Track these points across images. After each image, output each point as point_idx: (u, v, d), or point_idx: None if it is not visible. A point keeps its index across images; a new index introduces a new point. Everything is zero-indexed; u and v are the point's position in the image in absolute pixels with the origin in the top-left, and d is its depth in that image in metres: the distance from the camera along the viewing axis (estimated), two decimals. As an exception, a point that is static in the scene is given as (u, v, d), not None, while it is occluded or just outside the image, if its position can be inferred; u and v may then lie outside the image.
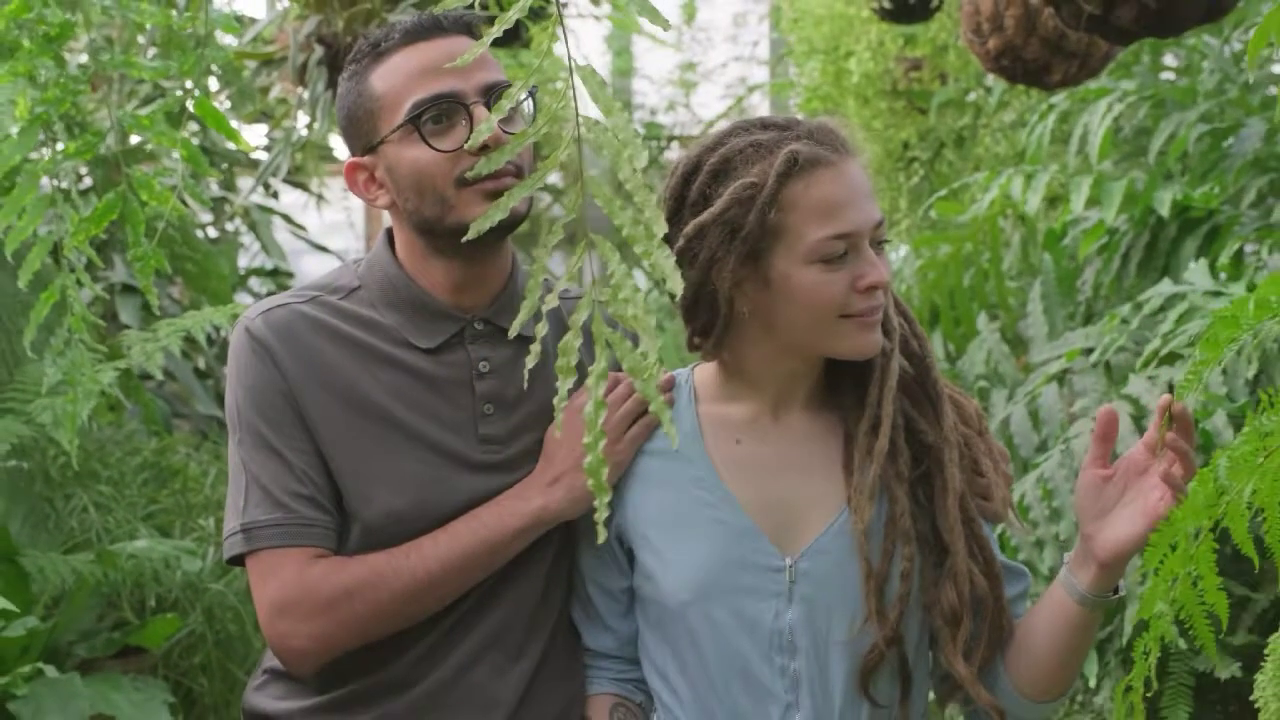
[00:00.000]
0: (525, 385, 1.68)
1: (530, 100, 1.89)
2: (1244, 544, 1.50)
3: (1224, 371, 2.65)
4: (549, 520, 1.80)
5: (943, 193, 4.07)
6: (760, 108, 7.50)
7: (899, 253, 4.32)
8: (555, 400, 1.50)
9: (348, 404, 1.83)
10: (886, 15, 4.10)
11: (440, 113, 1.81)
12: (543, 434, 1.92)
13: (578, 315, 1.54)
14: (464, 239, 1.39)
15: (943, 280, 4.06)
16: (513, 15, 1.54)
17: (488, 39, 1.57)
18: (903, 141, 4.98)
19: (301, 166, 5.40)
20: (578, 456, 1.70)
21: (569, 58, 1.54)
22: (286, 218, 5.95)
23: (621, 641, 1.90)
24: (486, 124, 1.33)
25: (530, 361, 1.52)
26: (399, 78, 1.83)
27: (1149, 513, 1.63)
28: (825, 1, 4.82)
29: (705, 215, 1.73)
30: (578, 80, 1.55)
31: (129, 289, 4.67)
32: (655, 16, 1.59)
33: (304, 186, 5.85)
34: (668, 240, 1.55)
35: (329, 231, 6.64)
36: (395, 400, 1.84)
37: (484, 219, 1.50)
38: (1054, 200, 4.10)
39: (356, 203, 7.00)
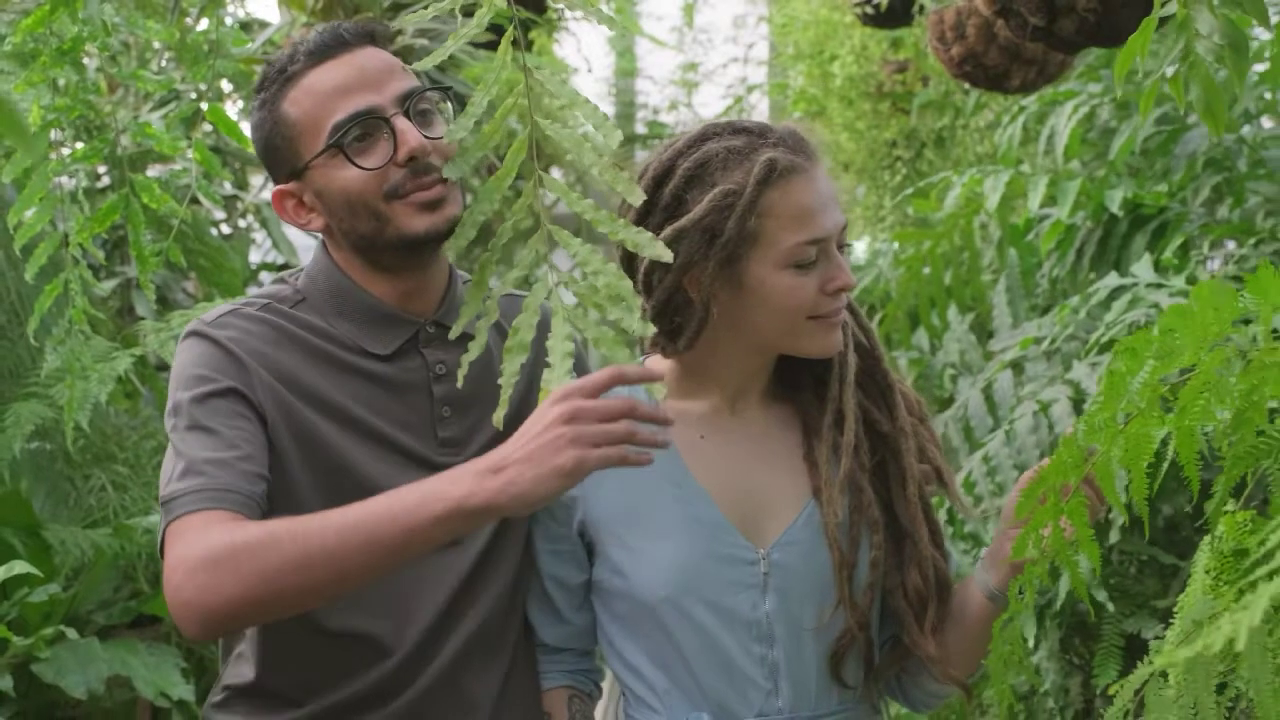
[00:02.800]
0: (461, 384, 1.63)
1: (449, 103, 1.86)
2: (1114, 502, 1.60)
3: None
4: (476, 511, 1.54)
5: (909, 190, 4.24)
6: (760, 106, 7.64)
7: (860, 244, 4.48)
8: (501, 382, 1.57)
9: (308, 404, 1.77)
10: (870, 20, 4.27)
11: (362, 130, 1.75)
12: (496, 435, 1.81)
13: (532, 298, 1.66)
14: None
15: (919, 275, 4.22)
16: (468, 33, 1.64)
17: (443, 51, 1.64)
18: (886, 141, 5.17)
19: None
20: (529, 448, 1.52)
21: (524, 63, 1.65)
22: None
23: (576, 634, 1.90)
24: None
25: (474, 352, 1.59)
26: (313, 100, 1.77)
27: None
28: (811, 8, 5.01)
29: (684, 221, 1.73)
30: (546, 82, 1.64)
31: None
32: (613, 24, 1.70)
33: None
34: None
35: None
36: (355, 403, 1.79)
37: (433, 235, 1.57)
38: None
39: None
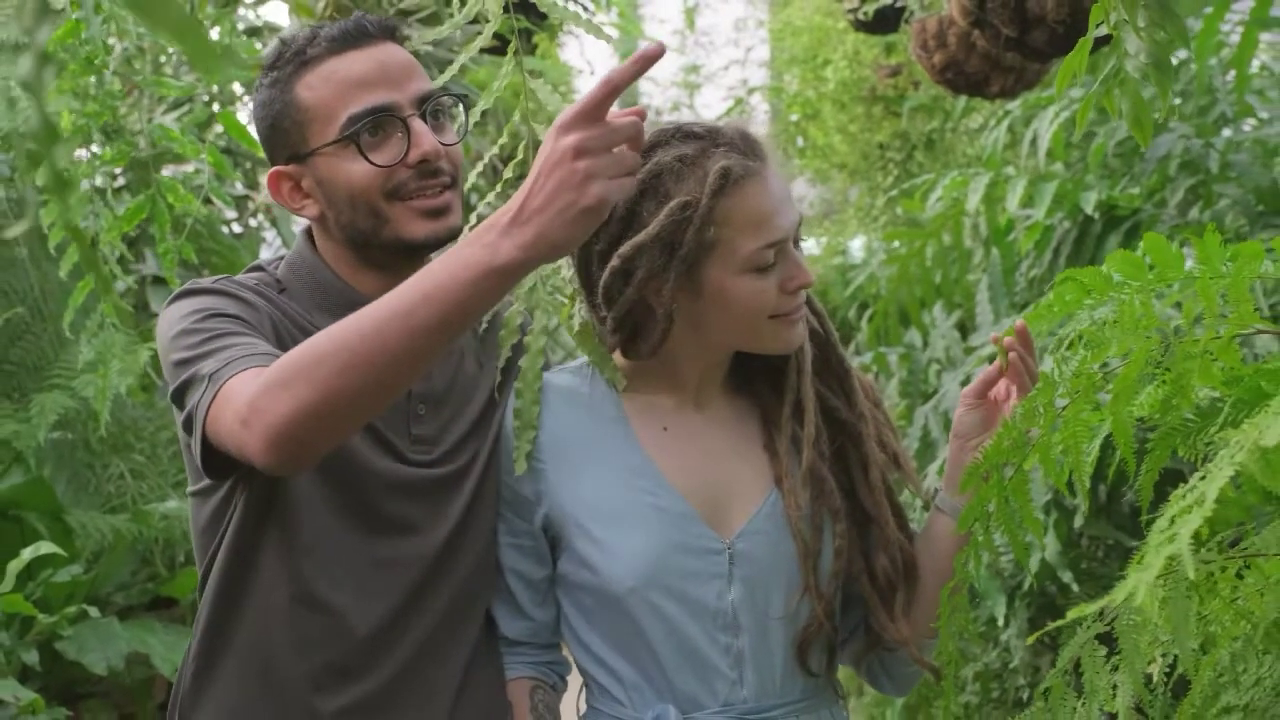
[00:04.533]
0: (442, 380, 1.64)
1: (463, 110, 1.83)
2: (1057, 481, 1.68)
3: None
4: (508, 268, 1.45)
5: (894, 192, 4.38)
6: (760, 108, 7.78)
7: (856, 243, 4.61)
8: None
9: None
10: (862, 26, 4.41)
11: (377, 126, 1.73)
12: (467, 429, 1.85)
13: (512, 314, 1.74)
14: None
15: (909, 274, 4.37)
16: (476, 45, 1.76)
17: (455, 66, 1.74)
18: (879, 143, 5.31)
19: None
20: (547, 190, 1.43)
21: (524, 71, 1.75)
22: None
23: (538, 628, 1.89)
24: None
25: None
26: (330, 88, 1.74)
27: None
28: (805, 14, 5.15)
29: (642, 236, 1.69)
30: (542, 89, 1.75)
31: (159, 280, 5.01)
32: (600, 35, 1.79)
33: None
34: (597, 253, 1.72)
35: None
36: None
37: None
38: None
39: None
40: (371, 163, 1.73)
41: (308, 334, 1.69)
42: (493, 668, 1.89)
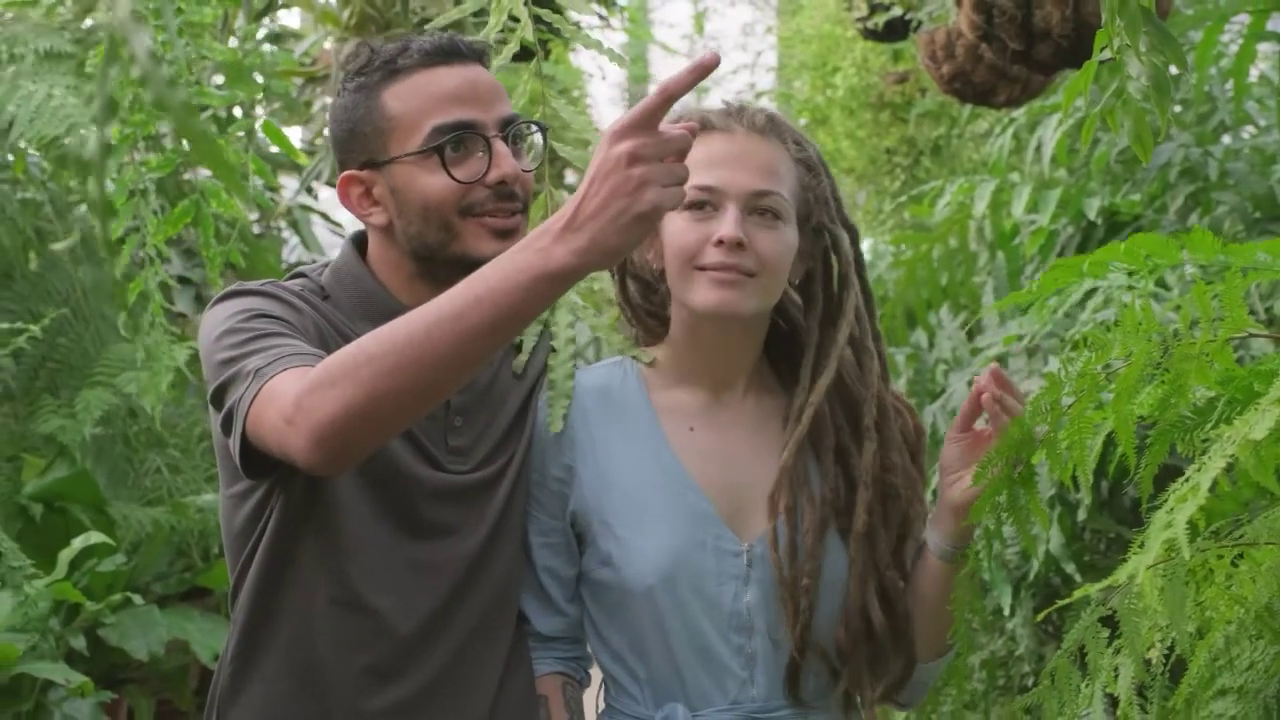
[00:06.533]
0: (487, 387, 1.69)
1: (541, 136, 1.84)
2: (1063, 476, 1.73)
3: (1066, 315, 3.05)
4: (561, 274, 1.44)
5: (903, 198, 4.48)
6: (768, 112, 7.85)
7: (864, 245, 4.68)
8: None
9: None
10: (870, 35, 4.51)
11: (459, 141, 1.74)
12: (501, 433, 1.87)
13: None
14: None
15: (916, 276, 4.47)
16: (506, 56, 1.85)
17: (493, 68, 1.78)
18: (886, 149, 5.41)
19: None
20: (602, 196, 1.42)
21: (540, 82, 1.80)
22: (324, 215, 6.39)
23: (570, 624, 1.91)
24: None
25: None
26: (418, 100, 1.75)
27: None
28: (815, 23, 5.26)
29: None
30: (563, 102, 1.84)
31: (184, 280, 5.14)
32: (607, 52, 1.89)
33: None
34: None
35: (355, 224, 7.05)
36: None
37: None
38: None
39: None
40: (452, 176, 1.74)
41: (350, 341, 1.67)
42: (525, 665, 1.90)
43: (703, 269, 1.77)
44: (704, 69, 1.44)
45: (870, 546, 1.83)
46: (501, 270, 1.46)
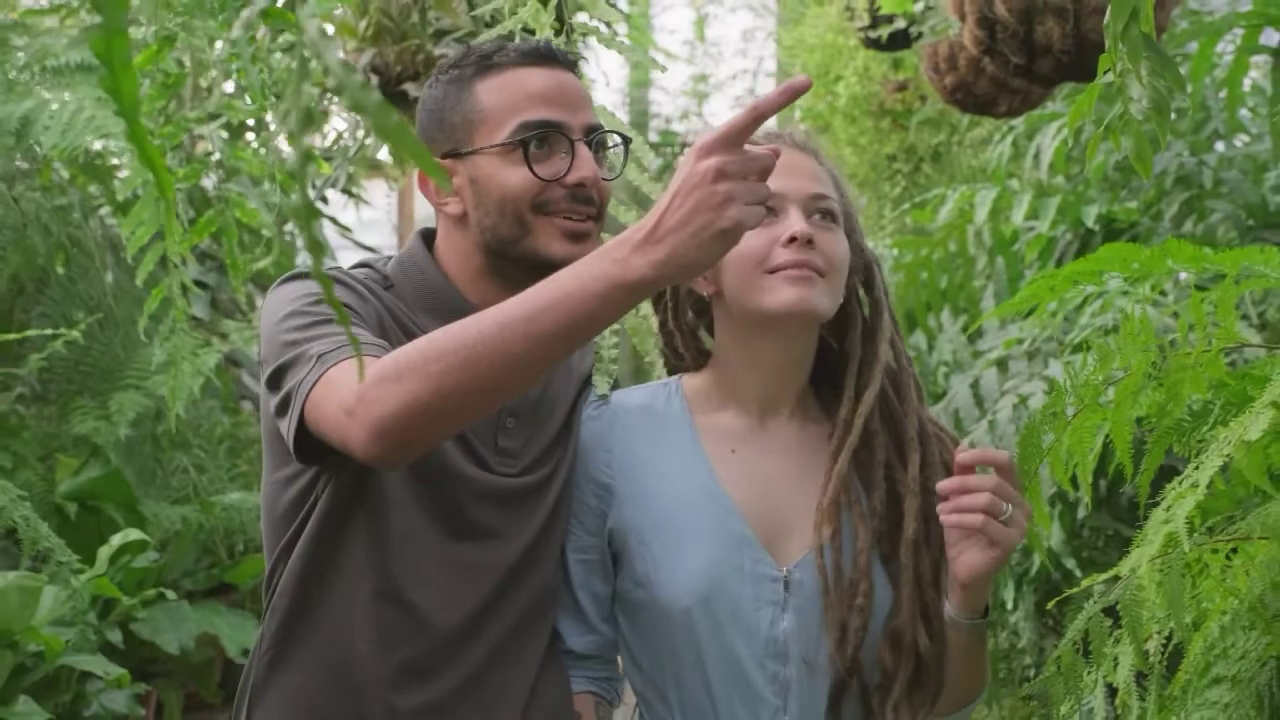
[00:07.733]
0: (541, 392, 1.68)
1: (623, 151, 1.87)
2: (1061, 478, 1.81)
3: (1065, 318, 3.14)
4: (638, 286, 1.43)
5: (906, 206, 4.57)
6: (770, 119, 7.91)
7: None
8: None
9: None
10: (872, 44, 4.60)
11: (544, 139, 1.75)
12: (549, 440, 1.86)
13: None
14: None
15: (917, 280, 4.56)
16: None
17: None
18: (887, 155, 5.51)
19: (353, 176, 5.90)
20: (684, 210, 1.41)
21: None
22: (333, 220, 6.49)
23: (605, 642, 1.89)
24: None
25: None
26: (510, 95, 1.77)
27: (998, 540, 1.64)
28: (817, 32, 5.35)
29: None
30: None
31: (199, 285, 5.24)
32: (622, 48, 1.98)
33: (352, 193, 6.38)
34: None
35: (365, 227, 7.17)
36: None
37: None
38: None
39: (392, 201, 7.54)
40: (533, 171, 1.74)
41: (411, 334, 1.72)
42: (559, 673, 1.89)
43: (775, 270, 1.75)
44: (795, 91, 1.42)
45: (917, 560, 1.78)
46: (578, 276, 1.45)
